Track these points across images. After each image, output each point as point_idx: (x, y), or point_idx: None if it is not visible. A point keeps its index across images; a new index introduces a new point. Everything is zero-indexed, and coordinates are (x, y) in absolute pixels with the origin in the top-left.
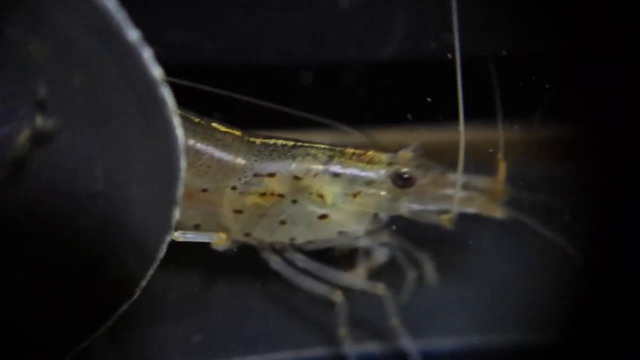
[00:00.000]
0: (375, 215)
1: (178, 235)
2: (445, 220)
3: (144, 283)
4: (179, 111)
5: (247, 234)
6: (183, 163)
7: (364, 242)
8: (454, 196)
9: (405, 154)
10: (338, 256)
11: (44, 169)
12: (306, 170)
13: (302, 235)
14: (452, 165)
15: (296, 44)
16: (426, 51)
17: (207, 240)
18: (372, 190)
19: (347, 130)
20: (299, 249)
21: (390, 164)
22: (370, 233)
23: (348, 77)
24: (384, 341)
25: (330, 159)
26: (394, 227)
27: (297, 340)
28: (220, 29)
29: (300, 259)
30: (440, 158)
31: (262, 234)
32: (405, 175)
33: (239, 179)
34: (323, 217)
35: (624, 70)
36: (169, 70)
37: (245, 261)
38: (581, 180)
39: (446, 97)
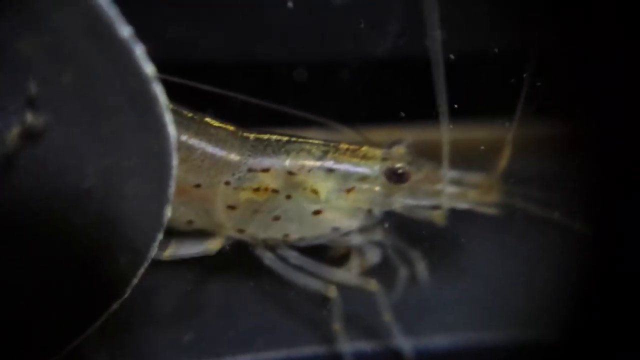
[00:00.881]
0: (369, 211)
1: (169, 255)
2: (437, 216)
3: (135, 281)
4: (171, 106)
5: (241, 230)
6: (175, 160)
7: (357, 239)
8: (446, 192)
9: (399, 149)
10: (336, 257)
11: (34, 166)
12: (300, 165)
13: (295, 231)
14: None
15: (289, 41)
16: (419, 48)
17: (198, 254)
18: (366, 186)
19: (339, 128)
20: (293, 246)
21: (384, 159)
22: (363, 230)
23: (340, 74)
24: (377, 339)
25: (324, 155)
26: (386, 225)
27: (290, 338)
28: (213, 26)
29: (293, 256)
30: (434, 156)
31: (255, 230)
32: (399, 171)
33: (233, 175)
34: (317, 212)
35: (617, 67)
36: (161, 67)
37: (238, 258)
38: (575, 178)
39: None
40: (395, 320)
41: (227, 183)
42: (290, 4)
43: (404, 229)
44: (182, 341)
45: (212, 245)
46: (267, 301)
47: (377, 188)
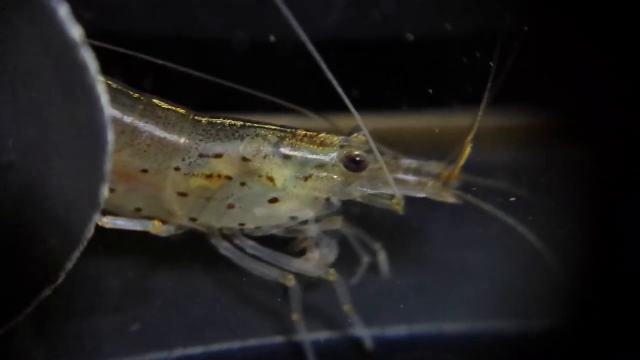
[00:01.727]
0: (328, 200)
1: (107, 222)
2: (396, 205)
3: (69, 266)
4: (115, 84)
5: (193, 219)
6: (110, 135)
7: (316, 229)
8: (401, 180)
9: (359, 137)
10: (297, 250)
11: None
12: (255, 151)
13: (252, 220)
14: (406, 151)
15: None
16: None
17: (139, 229)
18: (324, 174)
19: (302, 112)
20: (250, 235)
21: (342, 146)
22: (322, 219)
23: (297, 57)
24: (336, 329)
25: (280, 141)
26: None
27: (245, 329)
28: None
29: (250, 246)
30: (395, 144)
31: (209, 219)
32: (358, 159)
33: (183, 160)
34: (273, 201)
35: (592, 55)
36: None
37: (189, 244)
38: (541, 169)
39: (407, 81)
40: (355, 310)
41: (177, 169)
42: None
43: (365, 218)
44: (128, 332)
45: (153, 229)
46: (219, 290)
47: (335, 176)
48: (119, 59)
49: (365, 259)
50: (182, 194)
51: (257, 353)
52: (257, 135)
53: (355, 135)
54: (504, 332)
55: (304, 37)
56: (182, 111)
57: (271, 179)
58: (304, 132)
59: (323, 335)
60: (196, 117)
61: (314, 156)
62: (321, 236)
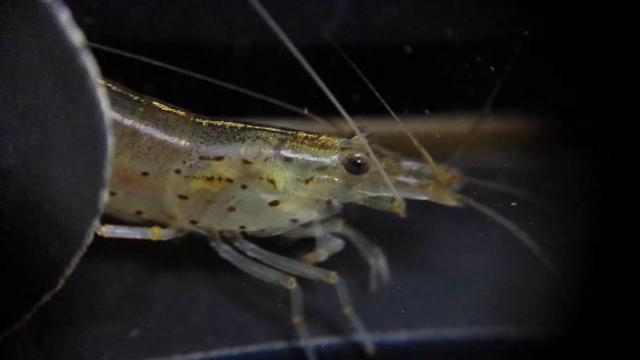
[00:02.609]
0: (329, 202)
1: (106, 231)
2: (397, 207)
3: (69, 272)
4: (115, 87)
5: (194, 222)
6: (110, 140)
7: (317, 232)
8: (402, 182)
9: (359, 139)
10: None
11: None
12: (256, 154)
13: (252, 223)
14: (407, 155)
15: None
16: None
17: (139, 237)
18: (325, 176)
19: (302, 114)
20: (250, 238)
21: (343, 149)
22: (323, 222)
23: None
24: (337, 333)
25: (281, 143)
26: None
27: (245, 334)
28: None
29: (250, 248)
30: (396, 148)
31: (209, 222)
32: (359, 161)
33: (184, 162)
34: (274, 203)
35: (595, 60)
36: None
37: (189, 249)
38: (543, 173)
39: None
40: (356, 314)
41: (178, 171)
42: None
43: (365, 222)
44: (127, 338)
45: (153, 236)
46: (219, 295)
47: (336, 178)
48: (120, 64)
49: (372, 261)
50: (183, 197)
51: (256, 358)
52: (257, 138)
53: (356, 137)
54: (505, 338)
55: (284, 39)
56: (182, 113)
57: (272, 182)
58: (305, 134)
59: (324, 340)
60: (196, 119)
61: (315, 158)
62: (326, 235)
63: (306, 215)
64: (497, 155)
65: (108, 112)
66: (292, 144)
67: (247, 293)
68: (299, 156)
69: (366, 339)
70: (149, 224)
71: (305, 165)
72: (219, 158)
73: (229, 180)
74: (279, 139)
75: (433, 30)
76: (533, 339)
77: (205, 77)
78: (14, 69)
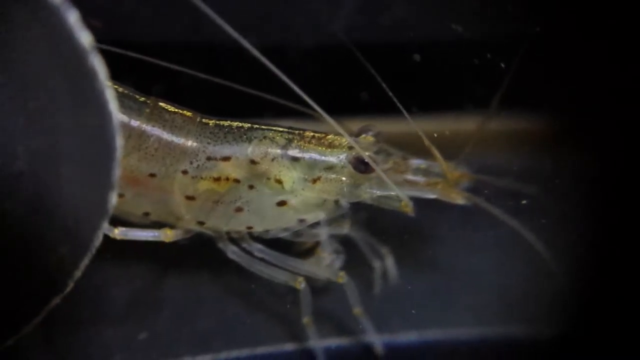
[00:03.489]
0: (336, 202)
1: (118, 233)
2: (405, 206)
3: (78, 274)
4: (121, 88)
5: (201, 222)
6: (119, 142)
7: (324, 232)
8: (410, 181)
9: (367, 138)
10: (302, 251)
11: None
12: (263, 154)
13: (259, 223)
14: (416, 154)
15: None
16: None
17: (151, 239)
18: (332, 176)
19: (310, 113)
20: (257, 238)
21: (350, 148)
22: (331, 222)
23: (305, 60)
24: (347, 334)
25: (288, 143)
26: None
27: (253, 336)
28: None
29: (258, 249)
30: (405, 147)
31: (216, 222)
32: (366, 160)
33: (191, 163)
34: (281, 203)
35: (599, 63)
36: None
37: (197, 251)
38: (550, 173)
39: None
40: (365, 314)
41: (185, 172)
42: None
43: (373, 222)
44: (136, 340)
45: (165, 238)
46: (227, 297)
47: (344, 178)
48: (128, 65)
49: (377, 264)
50: (190, 197)
51: None
52: (264, 137)
53: (364, 136)
54: (515, 338)
55: (240, 39)
56: (188, 114)
57: (279, 181)
58: (312, 134)
59: (333, 341)
60: (203, 120)
61: (322, 158)
62: (330, 240)
63: (313, 215)
64: (506, 153)
65: (117, 113)
66: (299, 143)
67: (256, 294)
68: (306, 156)
69: (376, 339)
70: (157, 225)
71: (312, 164)
72: (226, 158)
73: (236, 181)
74: (286, 139)
75: (443, 28)
76: (543, 340)
77: (212, 78)
78: (22, 71)
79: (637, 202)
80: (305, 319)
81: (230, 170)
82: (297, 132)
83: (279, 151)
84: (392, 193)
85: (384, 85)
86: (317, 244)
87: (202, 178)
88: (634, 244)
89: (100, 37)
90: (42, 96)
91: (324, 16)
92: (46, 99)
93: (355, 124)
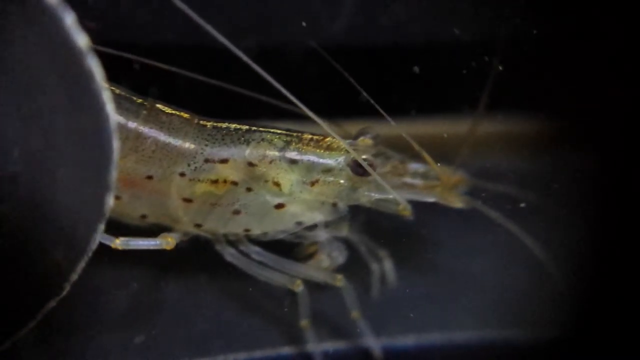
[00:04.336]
0: (334, 205)
1: (119, 243)
2: (403, 209)
3: (74, 277)
4: (118, 90)
5: (198, 225)
6: (115, 144)
7: (322, 235)
8: (409, 184)
9: (365, 140)
10: (301, 256)
11: None
12: (261, 156)
13: (257, 226)
14: (414, 156)
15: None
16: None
17: (153, 247)
18: (330, 178)
19: (308, 115)
20: (255, 241)
21: (349, 150)
22: (329, 225)
23: (304, 61)
24: (345, 338)
25: (286, 145)
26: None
27: (251, 339)
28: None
29: (256, 251)
30: (403, 149)
31: (214, 225)
32: (361, 163)
33: (188, 165)
34: (279, 206)
35: (595, 64)
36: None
37: (195, 254)
38: (549, 175)
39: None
40: (363, 318)
41: (182, 174)
42: None
43: (371, 225)
44: (133, 344)
45: (169, 241)
46: (224, 300)
47: (342, 180)
48: (125, 67)
49: (375, 267)
50: (187, 200)
51: None
52: (262, 140)
53: (362, 138)
54: (513, 341)
55: (222, 39)
56: (186, 116)
57: (277, 184)
58: (310, 136)
59: (331, 344)
60: (201, 122)
61: (321, 160)
62: (330, 239)
63: (311, 217)
64: (504, 156)
65: (113, 115)
66: (297, 145)
67: (253, 297)
68: (304, 158)
69: (374, 343)
70: (154, 227)
71: (310, 167)
72: (224, 161)
73: (234, 183)
74: (284, 141)
75: (440, 30)
76: (541, 343)
77: (209, 79)
78: (18, 73)
79: (636, 204)
80: (303, 322)
81: (228, 172)
82: (295, 134)
83: (277, 154)
84: (391, 196)
85: (363, 92)
86: (313, 247)
87: (199, 180)
88: (633, 246)
89: (96, 39)
90: (38, 98)
91: (323, 18)
92: (42, 100)
93: (355, 127)
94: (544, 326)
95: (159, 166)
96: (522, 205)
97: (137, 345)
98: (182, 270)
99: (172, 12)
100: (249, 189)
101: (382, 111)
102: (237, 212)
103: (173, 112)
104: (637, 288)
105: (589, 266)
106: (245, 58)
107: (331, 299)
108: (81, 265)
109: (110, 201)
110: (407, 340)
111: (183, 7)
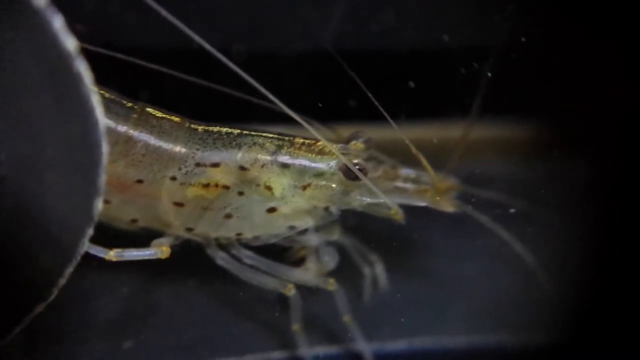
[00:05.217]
0: (326, 209)
1: (114, 255)
2: (395, 214)
3: (62, 282)
4: (107, 94)
5: (190, 229)
6: (104, 148)
7: (314, 239)
8: (400, 188)
9: (357, 144)
10: (293, 260)
11: None
12: (253, 160)
13: (249, 230)
14: (404, 161)
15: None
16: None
17: (148, 257)
18: (322, 182)
19: (300, 120)
20: (247, 245)
21: (342, 154)
22: (320, 229)
23: (293, 67)
24: (336, 342)
25: (278, 149)
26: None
27: (241, 344)
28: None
29: (247, 255)
30: (393, 154)
31: (205, 229)
32: (357, 167)
33: (179, 169)
34: (271, 210)
35: (593, 67)
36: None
37: (185, 258)
38: (545, 179)
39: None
40: (354, 322)
41: (173, 178)
42: None
43: (363, 229)
44: (121, 350)
45: (163, 250)
46: (215, 305)
47: (334, 185)
48: (114, 70)
49: (366, 271)
50: (178, 204)
51: None
52: (254, 144)
53: (354, 142)
54: (504, 346)
55: (203, 42)
56: (176, 119)
57: (269, 188)
58: (302, 140)
59: (322, 349)
60: (192, 125)
61: (312, 164)
62: (321, 244)
63: (303, 221)
64: (495, 161)
65: (103, 119)
66: (289, 150)
67: (244, 302)
68: (296, 162)
69: (365, 347)
70: (145, 231)
71: (302, 171)
72: (215, 165)
73: (226, 187)
74: (276, 145)
75: (430, 36)
76: (532, 348)
77: (201, 81)
78: (6, 76)
79: (627, 210)
80: (295, 327)
81: (219, 176)
82: (287, 138)
83: (268, 157)
84: (382, 200)
85: (371, 96)
86: (302, 251)
87: (190, 184)
88: (623, 251)
89: (85, 42)
90: (26, 101)
91: (314, 23)
92: (30, 104)
93: (346, 131)
94: (534, 331)
95: (149, 170)
96: (512, 210)
97: (126, 350)
98: (173, 275)
99: (160, 15)
100: (240, 193)
101: (387, 115)
102: (228, 216)
103: (163, 115)
104: (627, 293)
105: (579, 271)
106: (230, 64)
107: (323, 303)
108: (69, 270)
109: (99, 205)
110: (399, 345)
111: (163, 11)
